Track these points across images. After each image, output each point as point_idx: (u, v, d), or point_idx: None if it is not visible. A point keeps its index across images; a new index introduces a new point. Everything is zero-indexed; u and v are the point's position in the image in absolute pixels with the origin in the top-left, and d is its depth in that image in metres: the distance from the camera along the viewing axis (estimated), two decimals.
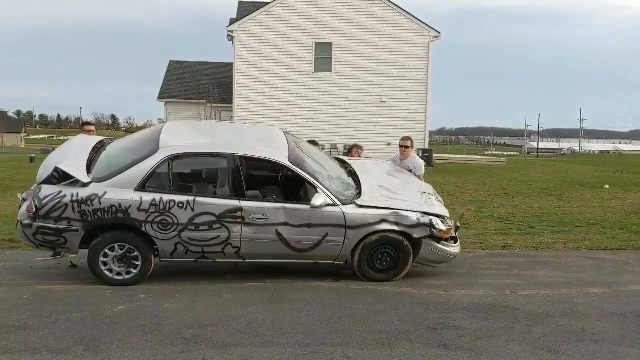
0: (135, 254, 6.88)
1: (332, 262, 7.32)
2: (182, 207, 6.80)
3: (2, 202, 13.85)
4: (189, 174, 7.31)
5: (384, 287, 7.02)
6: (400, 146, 9.02)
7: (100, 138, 8.23)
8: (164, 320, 5.74)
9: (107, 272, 6.88)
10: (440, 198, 8.07)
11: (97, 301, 6.31)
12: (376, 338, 5.38)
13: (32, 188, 7.07)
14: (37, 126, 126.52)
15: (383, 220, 7.12)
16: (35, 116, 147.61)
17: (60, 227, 6.76)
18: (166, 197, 6.81)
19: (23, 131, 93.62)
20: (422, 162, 9.06)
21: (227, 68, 33.16)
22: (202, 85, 34.51)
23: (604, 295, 6.90)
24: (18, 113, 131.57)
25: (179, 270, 7.75)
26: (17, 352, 4.95)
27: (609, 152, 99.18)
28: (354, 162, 8.68)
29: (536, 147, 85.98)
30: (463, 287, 7.12)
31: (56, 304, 6.22)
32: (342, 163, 8.66)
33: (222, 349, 5.07)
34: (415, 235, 7.16)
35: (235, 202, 6.92)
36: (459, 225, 8.02)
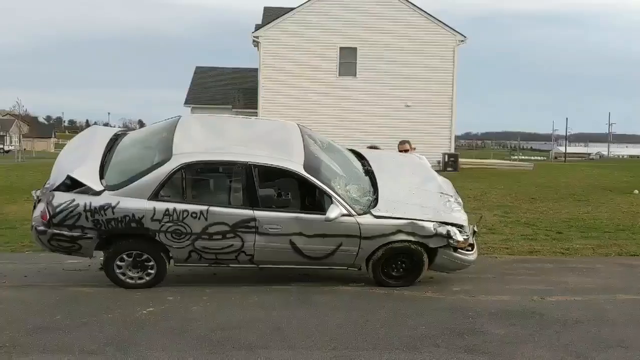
0: (145, 256, 6.94)
1: (346, 268, 7.33)
2: (195, 217, 6.80)
3: (31, 206, 14.11)
4: (202, 182, 7.30)
5: (410, 292, 7.02)
6: (399, 151, 8.79)
7: (115, 130, 8.25)
8: (192, 323, 5.83)
9: (128, 280, 6.99)
10: (460, 199, 7.89)
11: (127, 303, 6.43)
12: (402, 342, 5.38)
13: (46, 186, 7.11)
14: (67, 131, 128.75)
15: (399, 231, 7.02)
16: (64, 121, 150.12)
17: (75, 234, 6.82)
18: (180, 207, 6.80)
19: (53, 136, 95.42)
20: (423, 157, 8.77)
21: (252, 73, 33.39)
22: (227, 90, 34.82)
23: (633, 302, 6.81)
24: (48, 118, 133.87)
25: (205, 273, 7.84)
26: (50, 352, 5.08)
27: (638, 156, 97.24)
28: (371, 157, 8.34)
29: (563, 151, 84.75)
30: (490, 293, 7.07)
31: (87, 306, 6.36)
32: (360, 157, 8.32)
33: (249, 351, 5.13)
34: (431, 245, 7.07)
35: (249, 212, 6.90)
36: (476, 230, 7.78)
